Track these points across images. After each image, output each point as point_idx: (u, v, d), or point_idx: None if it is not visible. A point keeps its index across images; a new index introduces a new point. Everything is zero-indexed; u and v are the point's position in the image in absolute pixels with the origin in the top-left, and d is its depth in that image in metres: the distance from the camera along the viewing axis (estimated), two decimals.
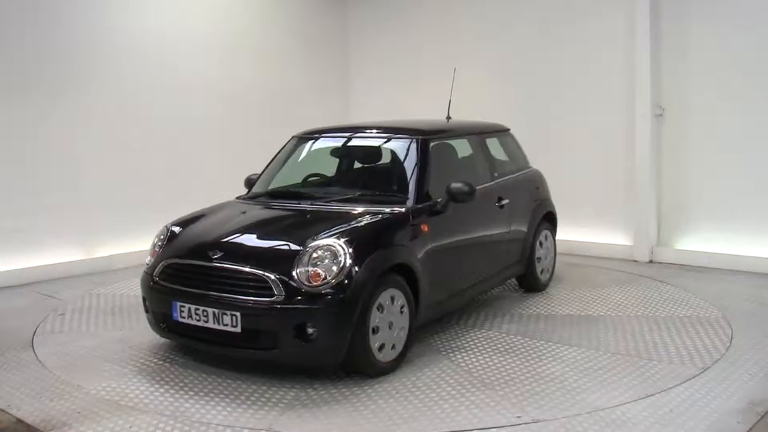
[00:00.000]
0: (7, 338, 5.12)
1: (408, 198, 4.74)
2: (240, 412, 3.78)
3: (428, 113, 8.29)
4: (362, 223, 4.40)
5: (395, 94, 9.52)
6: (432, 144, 5.08)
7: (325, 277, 3.97)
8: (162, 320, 4.46)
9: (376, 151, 5.49)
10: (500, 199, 5.54)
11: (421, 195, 4.77)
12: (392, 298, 4.25)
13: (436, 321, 5.14)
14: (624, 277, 6.73)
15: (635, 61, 7.34)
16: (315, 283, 3.95)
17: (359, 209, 4.62)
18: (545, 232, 6.25)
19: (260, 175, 5.62)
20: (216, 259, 4.23)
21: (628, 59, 7.46)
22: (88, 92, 7.38)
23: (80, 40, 7.30)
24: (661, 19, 7.26)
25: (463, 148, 5.69)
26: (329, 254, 4.04)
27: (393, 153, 5.33)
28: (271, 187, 5.42)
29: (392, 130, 5.44)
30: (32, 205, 6.98)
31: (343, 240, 4.11)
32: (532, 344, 4.80)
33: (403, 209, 4.60)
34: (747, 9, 6.76)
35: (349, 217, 4.51)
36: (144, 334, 5.07)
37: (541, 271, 6.17)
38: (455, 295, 5.07)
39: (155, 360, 4.61)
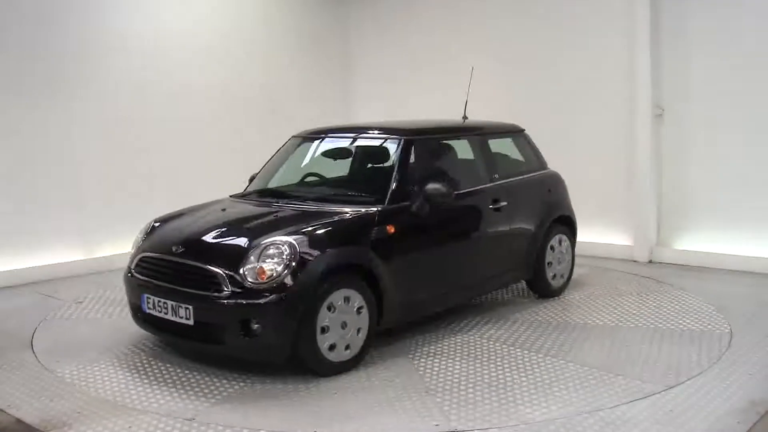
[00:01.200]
0: (6, 338, 5.12)
1: (384, 198, 4.71)
2: (241, 412, 3.78)
3: (429, 112, 8.30)
4: (319, 223, 4.43)
5: (396, 93, 9.52)
6: (413, 145, 5.03)
7: (271, 275, 4.04)
8: (137, 311, 4.66)
9: (361, 152, 5.49)
10: (497, 201, 5.40)
11: (398, 196, 4.75)
12: (346, 299, 4.26)
13: (418, 323, 5.10)
14: (624, 277, 6.72)
15: (635, 61, 7.34)
16: (261, 280, 4.03)
17: (331, 209, 4.66)
18: (559, 237, 6.02)
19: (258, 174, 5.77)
20: (177, 253, 4.42)
21: (628, 59, 7.45)
22: (88, 92, 7.38)
23: (80, 41, 7.30)
24: (661, 19, 7.26)
25: (457, 149, 5.63)
26: (276, 252, 4.11)
27: (375, 153, 5.35)
28: (262, 186, 5.52)
29: (377, 130, 5.44)
30: (32, 205, 6.98)
31: (291, 239, 4.18)
32: (507, 351, 4.66)
33: (371, 210, 4.60)
34: (747, 9, 6.75)
35: (314, 216, 4.56)
36: (143, 334, 5.07)
37: (553, 277, 5.97)
38: (435, 298, 5.01)
39: (155, 360, 4.60)
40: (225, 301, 4.06)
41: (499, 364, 4.45)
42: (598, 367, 4.34)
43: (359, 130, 5.68)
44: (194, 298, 4.18)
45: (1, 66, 6.74)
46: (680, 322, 5.23)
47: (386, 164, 5.03)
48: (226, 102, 8.61)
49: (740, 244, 6.90)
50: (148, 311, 4.48)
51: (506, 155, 6.03)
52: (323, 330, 4.15)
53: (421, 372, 4.33)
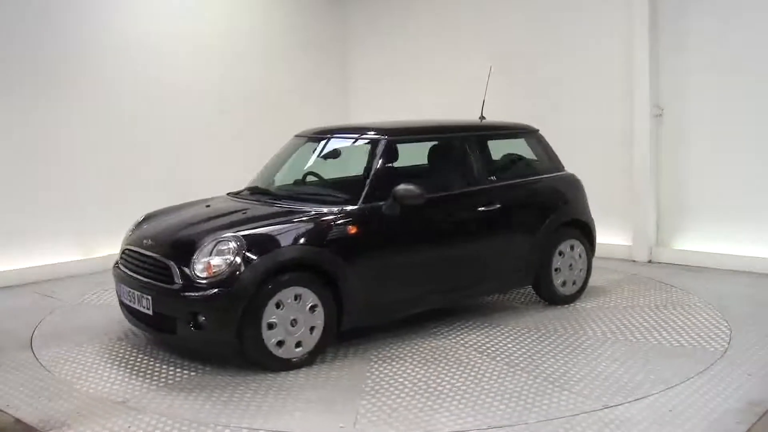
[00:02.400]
0: (5, 338, 5.12)
1: (357, 199, 4.72)
2: (241, 412, 3.78)
3: (429, 112, 8.31)
4: (277, 222, 4.51)
5: (395, 94, 9.52)
6: (393, 145, 5.03)
7: (216, 271, 4.18)
8: (120, 302, 4.93)
9: (345, 152, 5.43)
10: (489, 203, 5.26)
11: (373, 196, 4.74)
12: (297, 296, 4.32)
13: (399, 324, 5.08)
14: (623, 278, 6.72)
15: (634, 61, 7.34)
16: (208, 275, 4.19)
17: (302, 208, 4.74)
18: (571, 242, 5.74)
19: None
20: (146, 246, 4.66)
21: (627, 59, 7.45)
22: (87, 92, 7.37)
23: (80, 41, 7.30)
24: (660, 19, 7.26)
25: (447, 150, 5.56)
26: (222, 249, 4.24)
27: (356, 154, 5.31)
28: (257, 183, 5.58)
29: (362, 131, 5.42)
30: (31, 206, 6.98)
31: (239, 235, 4.30)
32: (470, 358, 4.53)
33: (334, 210, 4.65)
34: (747, 8, 6.75)
35: (279, 215, 4.65)
36: (144, 334, 5.08)
37: (563, 283, 5.71)
38: (410, 300, 4.97)
39: (155, 360, 4.60)
40: (176, 293, 4.25)
41: (453, 370, 4.33)
42: (553, 379, 4.15)
43: (348, 131, 5.65)
44: (152, 289, 4.42)
45: (0, 66, 6.73)
46: (679, 322, 5.23)
47: (363, 165, 5.03)
48: (225, 102, 8.60)
49: (740, 244, 6.90)
50: (124, 301, 4.81)
51: (512, 156, 5.92)
52: (270, 326, 4.24)
53: (368, 374, 4.29)
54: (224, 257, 4.20)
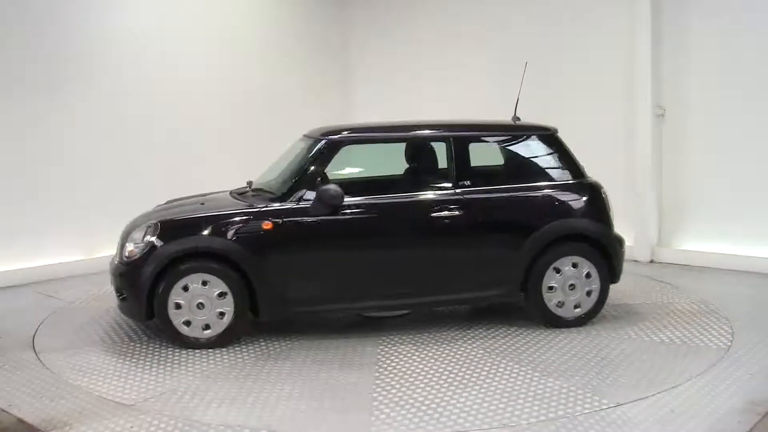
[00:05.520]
0: (7, 338, 5.12)
1: (286, 197, 4.89)
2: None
3: (430, 112, 8.29)
4: (200, 215, 4.92)
5: (396, 93, 9.52)
6: (329, 145, 5.00)
7: (132, 253, 4.81)
8: None
9: (299, 152, 5.32)
10: (449, 209, 4.98)
11: (298, 195, 4.85)
12: (204, 282, 4.71)
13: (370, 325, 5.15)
14: (624, 277, 6.68)
15: (636, 62, 7.34)
16: (128, 256, 4.82)
17: (241, 203, 5.03)
18: (573, 259, 5.12)
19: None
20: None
21: (628, 60, 7.46)
22: (88, 92, 7.38)
23: (80, 41, 7.30)
24: (661, 19, 7.26)
25: (411, 152, 5.51)
26: (138, 235, 4.87)
27: (303, 154, 5.21)
28: (255, 182, 5.60)
29: (323, 132, 5.22)
30: (32, 206, 6.99)
31: (152, 223, 4.84)
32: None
33: (258, 206, 4.88)
34: (747, 8, 6.75)
35: (215, 209, 4.99)
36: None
37: (560, 304, 5.12)
38: (339, 299, 4.97)
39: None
40: (114, 270, 4.99)
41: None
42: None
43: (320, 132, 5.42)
44: (114, 266, 5.06)
45: (1, 66, 6.74)
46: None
47: (304, 164, 5.04)
48: (227, 103, 8.61)
49: (742, 244, 6.90)
50: None
51: (515, 160, 5.52)
52: (177, 306, 4.70)
53: (259, 366, 4.45)
54: (136, 242, 4.83)
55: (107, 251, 7.40)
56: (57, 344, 4.97)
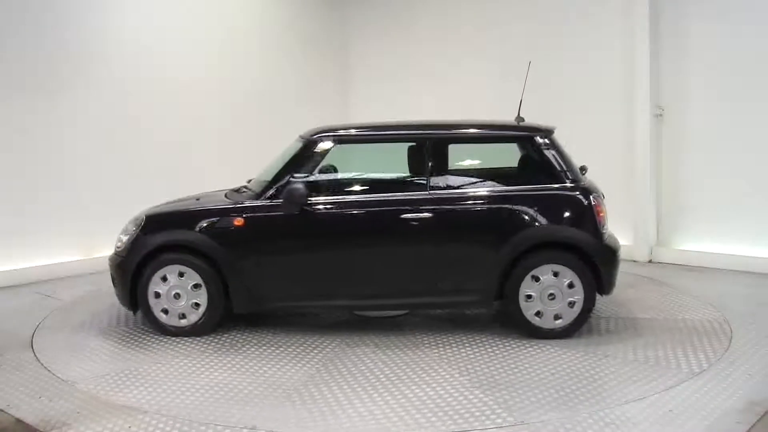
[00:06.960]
0: (6, 338, 5.12)
1: (262, 194, 5.03)
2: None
3: (429, 112, 8.30)
4: (184, 211, 5.19)
5: (396, 94, 9.53)
6: (308, 145, 5.08)
7: (121, 243, 5.17)
8: None
9: (287, 152, 5.36)
10: (419, 210, 4.87)
11: (273, 194, 4.98)
12: (181, 274, 4.98)
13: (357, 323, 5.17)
14: (623, 278, 6.69)
15: (635, 62, 7.35)
16: (119, 247, 5.17)
17: (224, 200, 5.20)
18: (554, 267, 4.86)
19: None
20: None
21: (627, 60, 7.47)
22: (87, 92, 7.38)
23: (80, 41, 7.31)
24: (660, 20, 7.27)
25: (391, 153, 5.43)
26: (125, 228, 5.24)
27: (287, 153, 5.28)
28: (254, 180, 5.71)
29: (311, 133, 5.23)
30: (31, 206, 6.99)
31: (139, 216, 5.21)
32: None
33: (234, 203, 5.07)
34: (746, 9, 6.76)
35: (202, 206, 5.17)
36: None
37: (538, 314, 4.89)
38: (307, 296, 5.01)
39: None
40: (111, 262, 5.27)
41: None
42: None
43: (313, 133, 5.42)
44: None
45: (1, 66, 6.74)
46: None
47: (284, 164, 5.16)
48: (226, 103, 8.62)
49: (740, 244, 6.91)
50: None
51: (486, 161, 5.56)
52: (156, 295, 5.00)
53: (214, 362, 4.54)
54: (124, 234, 5.18)
55: (106, 251, 7.40)
56: (55, 344, 4.97)
